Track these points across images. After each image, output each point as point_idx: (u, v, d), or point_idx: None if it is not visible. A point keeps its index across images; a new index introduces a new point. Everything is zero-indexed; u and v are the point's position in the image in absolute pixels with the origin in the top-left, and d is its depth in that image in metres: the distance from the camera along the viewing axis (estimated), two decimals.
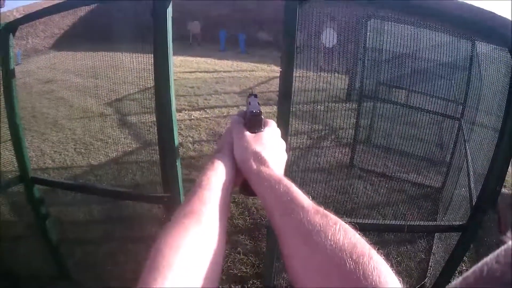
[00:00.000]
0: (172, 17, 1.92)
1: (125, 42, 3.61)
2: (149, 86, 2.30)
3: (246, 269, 3.29)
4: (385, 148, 4.96)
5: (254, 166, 0.69)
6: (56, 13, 2.40)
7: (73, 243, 3.38)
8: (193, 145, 5.89)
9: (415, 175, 4.73)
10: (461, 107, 4.36)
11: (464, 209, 2.85)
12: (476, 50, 3.98)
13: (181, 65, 11.43)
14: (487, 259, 0.36)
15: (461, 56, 4.20)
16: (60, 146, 5.75)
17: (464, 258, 2.74)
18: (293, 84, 1.94)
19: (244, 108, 0.88)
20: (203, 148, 5.83)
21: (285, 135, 1.89)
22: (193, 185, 0.63)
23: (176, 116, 2.10)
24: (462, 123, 4.16)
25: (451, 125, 4.68)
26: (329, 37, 4.07)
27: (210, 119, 7.13)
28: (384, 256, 0.47)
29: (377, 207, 4.33)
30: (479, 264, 0.36)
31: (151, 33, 1.96)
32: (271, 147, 0.74)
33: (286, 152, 0.80)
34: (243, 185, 0.74)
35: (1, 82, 2.48)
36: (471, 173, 2.85)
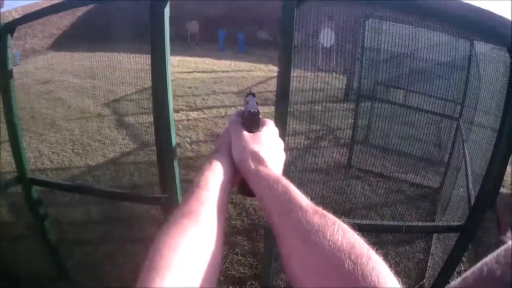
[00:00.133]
0: (170, 17, 1.92)
1: (123, 42, 3.62)
2: (146, 86, 2.29)
3: (244, 270, 3.29)
4: (383, 148, 4.96)
5: (252, 166, 0.69)
6: (54, 13, 2.40)
7: (72, 244, 3.38)
8: (191, 146, 5.89)
9: (413, 175, 4.73)
10: (460, 107, 4.37)
11: (462, 210, 2.85)
12: (475, 49, 3.98)
13: (179, 65, 11.43)
14: (486, 259, 0.36)
15: (460, 56, 4.20)
16: (58, 146, 5.74)
17: (463, 258, 2.75)
18: (291, 84, 1.93)
19: (242, 108, 0.87)
20: (201, 148, 5.83)
21: (283, 135, 1.88)
22: (191, 185, 0.63)
23: (173, 116, 2.10)
24: (461, 123, 4.16)
25: (449, 125, 4.69)
26: (327, 37, 4.07)
27: (208, 120, 7.13)
28: (382, 256, 0.47)
29: (375, 207, 4.33)
30: (479, 264, 0.36)
31: (149, 33, 1.95)
32: (269, 147, 0.74)
33: (284, 151, 0.79)
34: (242, 185, 0.74)
35: None
36: (470, 173, 2.85)
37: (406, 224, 2.42)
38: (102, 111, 6.65)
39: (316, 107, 4.19)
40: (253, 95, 0.90)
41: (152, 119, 2.17)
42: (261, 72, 11.36)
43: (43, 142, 5.87)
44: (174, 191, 2.18)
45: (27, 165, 2.72)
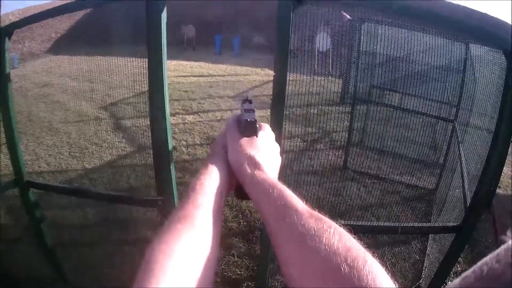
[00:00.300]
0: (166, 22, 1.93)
1: (122, 46, 3.62)
2: (144, 90, 2.30)
3: (240, 271, 3.30)
4: (378, 150, 4.97)
5: (248, 170, 0.69)
6: (53, 16, 2.36)
7: (69, 246, 3.37)
8: (187, 149, 5.88)
9: (409, 177, 4.74)
10: (455, 109, 4.39)
11: (458, 210, 2.86)
12: (470, 52, 4.00)
13: (175, 69, 11.41)
14: (486, 258, 0.36)
15: (455, 58, 4.22)
16: (55, 149, 5.73)
17: (459, 259, 2.76)
18: (287, 88, 1.94)
19: (239, 112, 0.88)
20: (197, 152, 5.83)
21: (279, 139, 1.89)
22: (186, 189, 0.64)
23: (170, 120, 2.10)
24: (456, 125, 4.18)
25: (445, 127, 4.70)
26: (323, 41, 4.08)
27: (204, 123, 7.13)
28: (378, 257, 0.48)
29: (370, 208, 4.34)
30: (479, 263, 0.36)
31: (146, 37, 1.96)
32: (265, 151, 0.75)
33: (280, 155, 0.80)
34: (238, 189, 0.74)
35: None
36: (465, 174, 2.86)
37: (402, 225, 2.43)
38: (100, 115, 6.64)
39: (312, 110, 4.20)
40: (250, 101, 0.89)
41: (148, 122, 2.18)
42: (257, 76, 11.34)
43: (40, 145, 5.85)
44: (171, 194, 2.18)
45: (24, 168, 2.71)
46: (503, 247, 0.36)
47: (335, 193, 4.30)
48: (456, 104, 4.38)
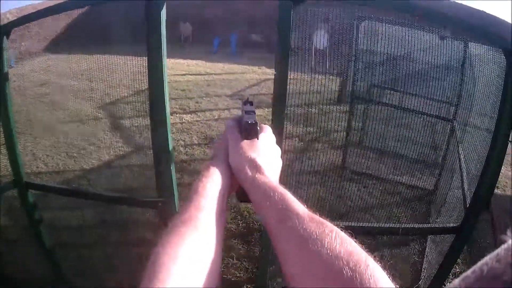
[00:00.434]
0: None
1: (120, 45, 3.60)
2: (142, 89, 2.29)
3: (239, 274, 3.30)
4: (378, 150, 4.96)
5: (249, 173, 0.69)
6: (51, 15, 2.36)
7: (68, 247, 3.37)
8: (185, 149, 5.88)
9: (408, 177, 4.74)
10: (454, 108, 4.39)
11: (457, 211, 2.87)
12: (470, 50, 4.00)
13: (172, 67, 11.40)
14: (487, 258, 0.36)
15: (454, 57, 4.22)
16: (52, 150, 5.72)
17: (458, 260, 2.76)
18: (288, 87, 1.93)
19: (239, 112, 0.87)
20: (195, 151, 5.84)
21: (280, 139, 1.89)
22: (189, 191, 0.64)
23: (170, 119, 2.10)
24: (455, 124, 4.18)
25: (444, 126, 4.70)
26: (322, 39, 4.08)
27: (201, 122, 7.14)
28: (378, 259, 0.48)
29: (370, 210, 4.34)
30: (479, 264, 0.36)
31: (146, 35, 1.95)
32: (266, 154, 0.74)
33: (281, 158, 0.80)
34: (240, 191, 0.74)
35: None
36: (465, 174, 2.86)
37: (402, 226, 2.44)
38: (98, 114, 6.63)
39: (312, 109, 4.20)
40: (251, 103, 0.89)
41: (147, 122, 2.17)
42: (255, 75, 11.37)
43: (38, 145, 5.83)
44: (171, 195, 2.18)
45: (23, 169, 2.71)
46: (503, 246, 0.36)
47: (334, 193, 4.30)
48: (455, 103, 4.38)
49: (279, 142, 0.83)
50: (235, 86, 9.88)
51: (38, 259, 3.01)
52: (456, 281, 0.37)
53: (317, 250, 0.50)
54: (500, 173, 2.39)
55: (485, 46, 2.80)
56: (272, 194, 0.62)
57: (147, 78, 2.02)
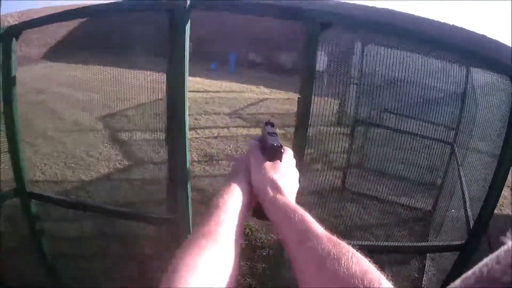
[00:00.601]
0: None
1: (131, 56, 3.56)
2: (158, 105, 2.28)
3: None
4: (378, 172, 4.98)
5: (271, 194, 0.73)
6: (64, 20, 2.29)
7: (69, 257, 3.34)
8: None
9: (408, 198, 4.77)
10: (454, 132, 4.46)
11: (458, 231, 2.90)
12: (472, 76, 4.07)
13: None
14: (487, 260, 0.37)
15: (456, 82, 4.26)
16: (50, 159, 5.66)
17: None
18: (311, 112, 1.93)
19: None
20: (195, 169, 5.82)
21: (301, 162, 1.90)
22: (208, 206, 0.67)
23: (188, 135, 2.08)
24: (455, 147, 4.24)
25: (444, 150, 4.74)
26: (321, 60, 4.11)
27: (200, 140, 7.12)
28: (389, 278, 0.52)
29: (370, 229, 4.36)
30: (479, 265, 0.37)
31: (168, 50, 1.95)
32: (287, 176, 0.79)
33: (299, 181, 0.84)
34: (257, 209, 0.78)
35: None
36: (467, 196, 2.90)
37: (406, 244, 2.46)
38: (96, 126, 6.60)
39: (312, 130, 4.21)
40: (272, 124, 0.94)
41: (161, 137, 2.15)
42: (253, 94, 11.37)
43: (36, 153, 5.78)
44: (186, 212, 2.12)
45: (25, 178, 2.59)
46: (503, 248, 0.37)
47: (334, 214, 4.30)
48: (455, 127, 4.45)
49: (299, 165, 0.87)
50: (234, 104, 9.85)
51: (39, 269, 2.96)
52: (457, 282, 0.38)
53: (334, 269, 0.52)
54: None
55: (489, 72, 2.85)
56: (292, 215, 0.66)
57: (162, 93, 2.04)
